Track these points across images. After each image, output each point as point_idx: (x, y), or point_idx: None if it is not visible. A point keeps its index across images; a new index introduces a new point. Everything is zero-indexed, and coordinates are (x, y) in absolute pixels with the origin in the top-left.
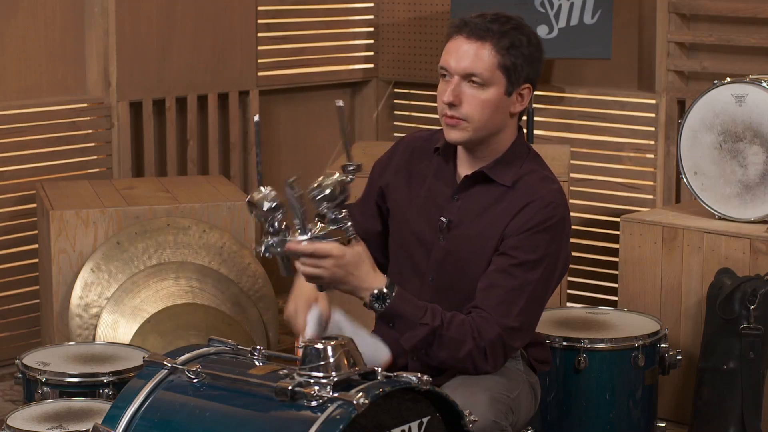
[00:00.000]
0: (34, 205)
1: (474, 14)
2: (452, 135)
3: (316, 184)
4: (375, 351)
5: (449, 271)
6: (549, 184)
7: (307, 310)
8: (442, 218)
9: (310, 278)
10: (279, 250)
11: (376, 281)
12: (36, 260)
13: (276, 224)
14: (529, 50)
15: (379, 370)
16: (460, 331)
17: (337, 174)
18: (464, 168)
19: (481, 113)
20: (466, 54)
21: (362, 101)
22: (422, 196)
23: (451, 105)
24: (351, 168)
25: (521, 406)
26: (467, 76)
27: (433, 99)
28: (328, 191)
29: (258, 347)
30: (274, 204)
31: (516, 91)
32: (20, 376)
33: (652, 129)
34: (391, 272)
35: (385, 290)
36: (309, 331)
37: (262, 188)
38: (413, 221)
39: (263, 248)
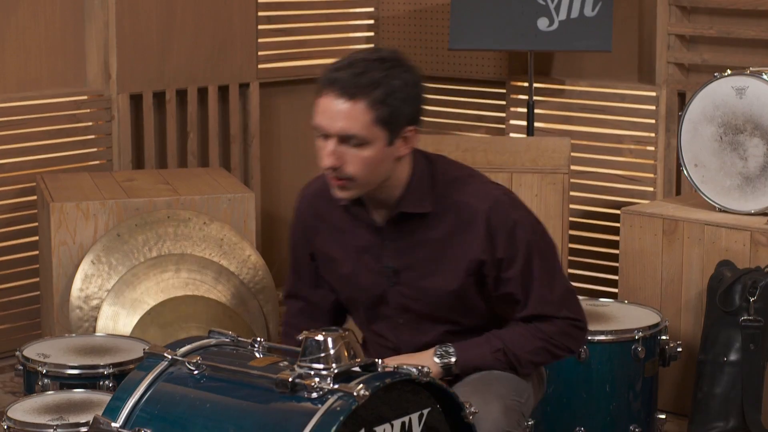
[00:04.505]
0: (35, 198)
1: (344, 61)
2: (340, 194)
3: None
4: None
5: (417, 309)
6: (477, 189)
7: None
8: (384, 266)
9: None
10: None
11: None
12: (36, 252)
13: None
14: (406, 93)
15: (380, 361)
16: (523, 335)
17: None
18: (375, 211)
19: (365, 171)
20: (338, 114)
21: None
22: (352, 250)
23: (333, 168)
24: None
25: (530, 404)
26: (344, 138)
27: (434, 91)
28: None
29: (258, 339)
30: None
31: (399, 138)
32: (21, 367)
33: (653, 121)
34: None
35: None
36: None
37: None
38: (355, 276)
39: None
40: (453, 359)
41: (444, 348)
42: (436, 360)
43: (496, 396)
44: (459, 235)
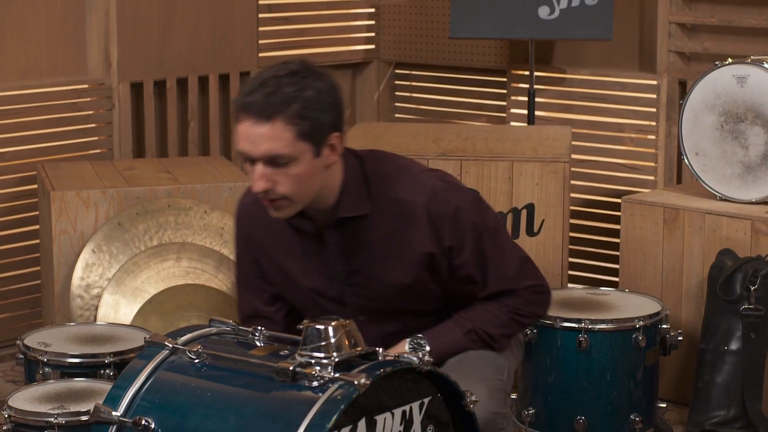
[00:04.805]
0: (35, 186)
1: (254, 83)
2: (278, 214)
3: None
4: None
5: (375, 306)
6: (411, 182)
7: None
8: (334, 271)
9: None
10: None
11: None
12: (37, 241)
13: None
14: (322, 101)
15: (380, 350)
16: (490, 312)
17: None
18: (315, 218)
19: (298, 188)
20: (259, 138)
21: (363, 82)
22: (299, 258)
23: (265, 191)
24: None
25: (511, 379)
26: (270, 159)
27: (435, 80)
28: None
29: (259, 328)
30: None
31: (325, 147)
32: (21, 356)
33: (653, 110)
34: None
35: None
36: None
37: None
38: (308, 284)
39: None
40: (427, 349)
41: (416, 340)
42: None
43: (480, 379)
44: (403, 231)
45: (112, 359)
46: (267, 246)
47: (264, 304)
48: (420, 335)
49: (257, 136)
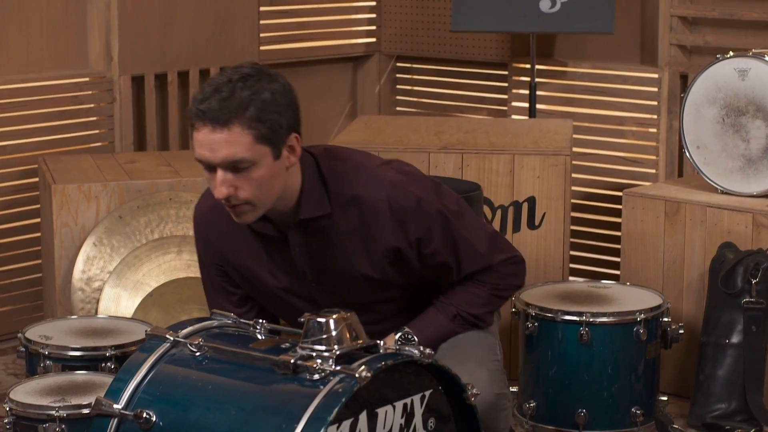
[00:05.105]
0: (36, 179)
1: (208, 89)
2: (242, 219)
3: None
4: None
5: (347, 302)
6: (370, 178)
7: None
8: (301, 272)
9: None
10: None
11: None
12: (38, 234)
13: None
14: (278, 103)
15: (381, 343)
16: (470, 293)
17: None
18: (277, 221)
19: (261, 191)
20: (218, 144)
21: (364, 75)
22: (265, 261)
23: (227, 198)
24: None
25: (502, 355)
26: (230, 165)
27: (436, 73)
28: None
29: (260, 321)
30: None
31: (284, 149)
32: (23, 349)
33: (655, 103)
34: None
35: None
36: None
37: None
38: (275, 281)
39: None
40: (415, 341)
41: (403, 336)
42: None
43: (478, 363)
44: (366, 229)
45: (113, 352)
46: (228, 251)
47: (234, 306)
48: (407, 329)
49: (215, 142)
